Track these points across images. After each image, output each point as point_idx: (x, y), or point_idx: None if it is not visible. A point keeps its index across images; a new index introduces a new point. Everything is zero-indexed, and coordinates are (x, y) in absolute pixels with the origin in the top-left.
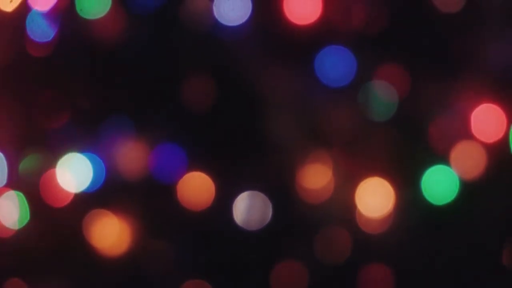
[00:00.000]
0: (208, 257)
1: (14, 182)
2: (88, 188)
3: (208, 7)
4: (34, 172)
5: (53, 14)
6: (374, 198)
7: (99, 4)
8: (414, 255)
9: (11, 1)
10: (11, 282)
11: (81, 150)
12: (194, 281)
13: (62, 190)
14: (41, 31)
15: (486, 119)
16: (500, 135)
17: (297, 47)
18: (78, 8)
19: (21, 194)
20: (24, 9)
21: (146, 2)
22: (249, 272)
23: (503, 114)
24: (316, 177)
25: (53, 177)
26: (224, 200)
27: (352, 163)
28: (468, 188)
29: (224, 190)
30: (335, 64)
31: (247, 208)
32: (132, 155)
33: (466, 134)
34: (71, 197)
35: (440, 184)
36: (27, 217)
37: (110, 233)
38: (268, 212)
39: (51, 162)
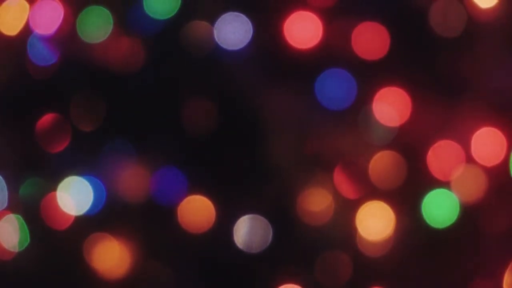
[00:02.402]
0: (208, 280)
1: (14, 205)
2: (89, 211)
3: (209, 31)
4: (35, 195)
5: (55, 38)
6: (375, 221)
7: (100, 28)
8: (414, 278)
9: None
10: None
11: (82, 173)
12: None
13: (62, 213)
14: (42, 55)
15: (486, 143)
16: (500, 158)
17: (297, 71)
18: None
19: (20, 217)
20: (26, 33)
21: (147, 26)
22: None
23: (503, 137)
24: (317, 200)
25: (53, 200)
26: (224, 223)
27: (352, 186)
28: (468, 212)
29: (225, 213)
30: (335, 88)
31: (248, 231)
32: (132, 178)
33: (466, 157)
34: (71, 220)
35: (440, 207)
36: (27, 240)
37: (110, 256)
38: (268, 235)
39: (52, 185)
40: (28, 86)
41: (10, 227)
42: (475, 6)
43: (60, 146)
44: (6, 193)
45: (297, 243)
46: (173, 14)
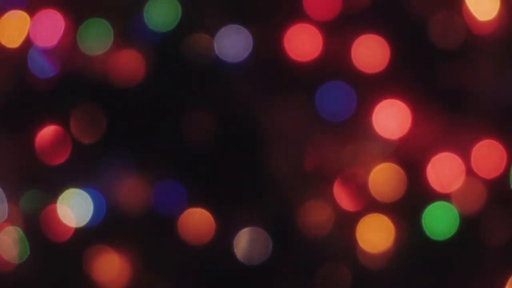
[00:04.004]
0: None
1: (14, 217)
2: (89, 223)
3: (209, 44)
4: (35, 207)
5: (55, 50)
6: (375, 233)
7: (100, 40)
8: None
9: None
10: None
11: (82, 185)
12: None
13: (62, 225)
14: (43, 67)
15: (486, 155)
16: (500, 170)
17: (297, 83)
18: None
19: (20, 229)
20: (26, 45)
21: (147, 38)
22: None
23: (503, 149)
24: (317, 213)
25: (54, 212)
26: (224, 235)
27: (352, 199)
28: (468, 224)
29: (225, 226)
30: (335, 100)
31: (248, 243)
32: (132, 191)
33: (466, 169)
34: (71, 232)
35: (440, 219)
36: (27, 252)
37: (110, 268)
38: (268, 247)
39: (52, 198)
40: (29, 99)
41: (10, 239)
42: (474, 19)
43: (61, 158)
44: (6, 205)
45: (297, 256)
46: (173, 26)
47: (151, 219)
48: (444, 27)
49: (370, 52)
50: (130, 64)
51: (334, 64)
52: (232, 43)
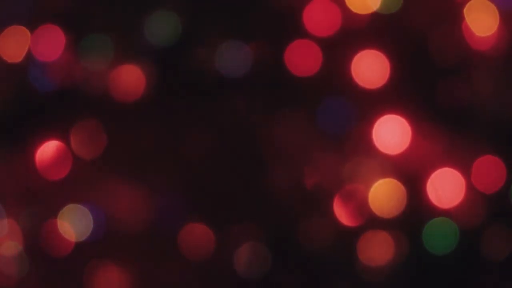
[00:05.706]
0: None
1: (14, 233)
2: (89, 239)
3: (209, 59)
4: (35, 223)
5: (56, 65)
6: (375, 249)
7: (101, 55)
8: None
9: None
10: None
11: (82, 201)
12: None
13: (62, 241)
14: (43, 82)
15: (486, 170)
16: (500, 185)
17: (298, 98)
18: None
19: (20, 245)
20: (27, 60)
21: (148, 53)
22: None
23: (503, 165)
24: (317, 228)
25: (54, 228)
26: (224, 251)
27: (353, 214)
28: (468, 239)
29: (225, 241)
30: (335, 116)
31: (248, 259)
32: (133, 206)
33: (466, 185)
34: (71, 248)
35: (440, 234)
36: (26, 268)
37: (110, 283)
38: (268, 263)
39: (52, 213)
40: (29, 113)
41: (10, 254)
42: (473, 35)
43: (61, 173)
44: (5, 220)
45: (298, 271)
46: (174, 41)
47: (151, 234)
48: (444, 42)
49: (370, 68)
50: (131, 79)
51: (334, 79)
52: (233, 58)
